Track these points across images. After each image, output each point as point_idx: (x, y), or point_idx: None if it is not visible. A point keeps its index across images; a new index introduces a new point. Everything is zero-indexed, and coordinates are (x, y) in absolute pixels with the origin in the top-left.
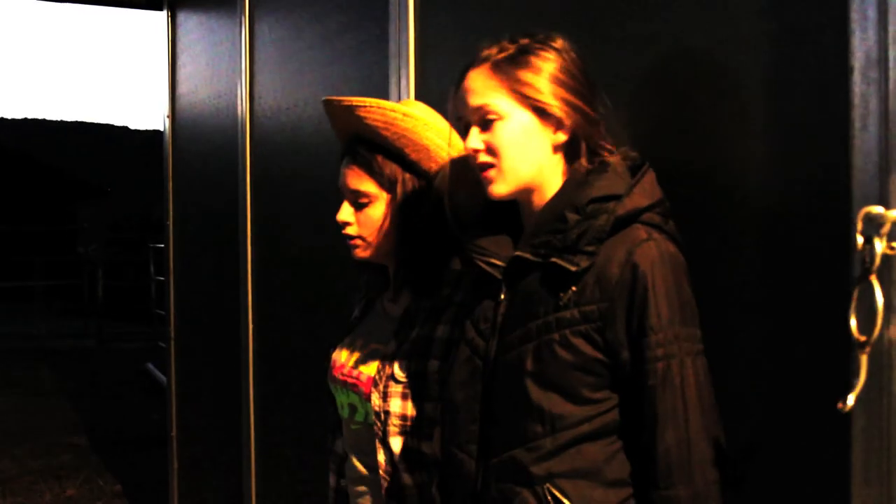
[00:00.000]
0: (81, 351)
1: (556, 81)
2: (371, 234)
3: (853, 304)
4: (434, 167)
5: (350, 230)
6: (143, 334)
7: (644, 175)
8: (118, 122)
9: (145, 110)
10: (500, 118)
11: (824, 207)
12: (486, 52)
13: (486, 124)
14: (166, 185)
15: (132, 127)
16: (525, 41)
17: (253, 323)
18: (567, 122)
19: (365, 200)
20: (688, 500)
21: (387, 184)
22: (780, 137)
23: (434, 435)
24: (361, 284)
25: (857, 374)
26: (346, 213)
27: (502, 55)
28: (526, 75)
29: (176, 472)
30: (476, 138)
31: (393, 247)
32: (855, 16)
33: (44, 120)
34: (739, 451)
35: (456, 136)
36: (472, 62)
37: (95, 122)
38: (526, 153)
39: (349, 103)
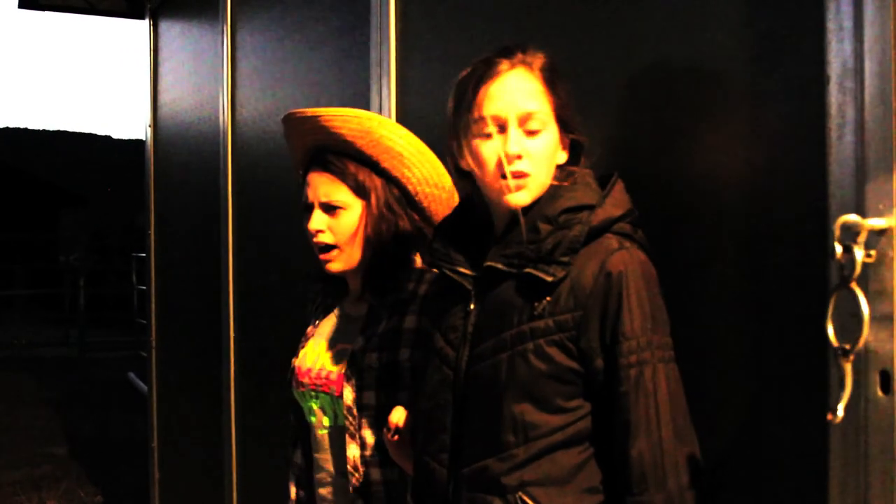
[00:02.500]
0: (62, 360)
1: (571, 100)
2: (346, 242)
3: (830, 312)
4: (407, 173)
5: (325, 238)
6: (124, 343)
7: (614, 185)
8: (100, 132)
9: (128, 119)
10: (543, 128)
11: (801, 216)
12: (522, 56)
13: (530, 130)
14: (148, 194)
15: (114, 136)
16: (552, 58)
17: (234, 332)
18: (567, 141)
19: (338, 209)
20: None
21: (361, 191)
22: (757, 147)
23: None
24: (316, 294)
25: (841, 384)
26: (318, 221)
27: (543, 62)
28: (562, 90)
29: (157, 482)
30: (518, 142)
31: (364, 253)
32: (831, 26)
33: (25, 129)
34: (713, 463)
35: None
36: (512, 62)
37: (77, 131)
38: (550, 167)
39: (327, 114)
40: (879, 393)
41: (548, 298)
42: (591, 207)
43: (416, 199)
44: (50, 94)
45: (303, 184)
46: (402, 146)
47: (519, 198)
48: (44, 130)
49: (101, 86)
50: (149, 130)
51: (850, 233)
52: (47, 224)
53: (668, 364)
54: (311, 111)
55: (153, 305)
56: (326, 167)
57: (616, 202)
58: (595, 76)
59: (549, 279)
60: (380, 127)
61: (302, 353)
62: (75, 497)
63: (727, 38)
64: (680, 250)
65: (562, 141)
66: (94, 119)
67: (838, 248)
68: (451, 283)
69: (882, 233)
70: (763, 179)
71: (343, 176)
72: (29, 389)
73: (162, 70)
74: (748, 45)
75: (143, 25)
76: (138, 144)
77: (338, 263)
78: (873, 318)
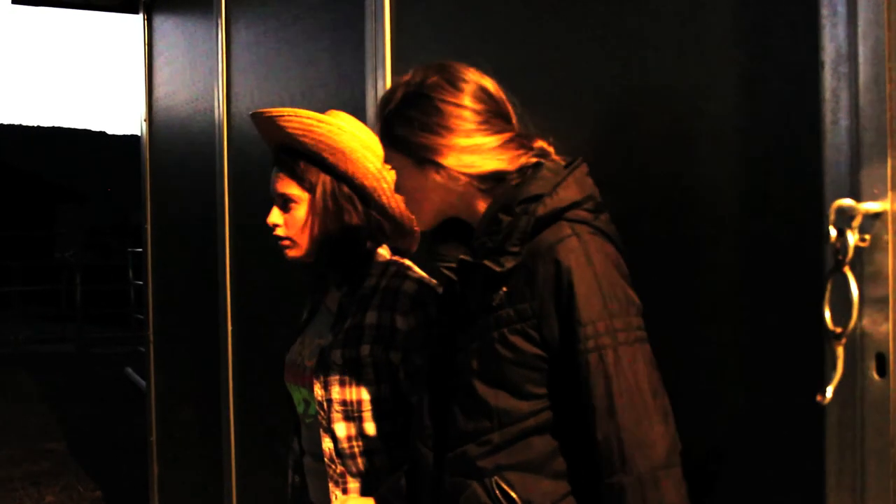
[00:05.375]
0: (60, 356)
1: (436, 127)
2: (297, 234)
3: (827, 296)
4: (351, 168)
5: (279, 231)
6: (122, 339)
7: (571, 172)
8: (95, 128)
9: (123, 115)
10: (396, 170)
11: (797, 201)
12: (380, 103)
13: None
14: (144, 189)
15: (109, 132)
16: (411, 87)
17: (232, 326)
18: (450, 166)
19: (291, 203)
20: (631, 486)
21: (308, 186)
22: (752, 133)
23: (374, 417)
24: (309, 289)
25: (833, 366)
26: (274, 216)
27: (388, 110)
28: (406, 131)
29: (156, 477)
30: (395, 185)
31: (313, 244)
32: (825, 11)
33: (20, 126)
34: (708, 455)
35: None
36: (375, 113)
37: (73, 127)
38: (423, 197)
39: (269, 114)
40: (875, 376)
41: (504, 289)
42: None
43: (375, 194)
44: (45, 90)
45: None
46: (343, 142)
47: (419, 226)
48: (39, 127)
49: (96, 82)
50: (144, 125)
51: (845, 217)
52: (44, 221)
53: (631, 345)
54: (263, 111)
55: (150, 300)
56: (281, 165)
57: (570, 189)
58: (588, 63)
59: (498, 269)
60: (319, 125)
61: (292, 347)
62: (74, 492)
63: (720, 24)
64: (675, 236)
65: (428, 167)
66: (89, 115)
67: (833, 232)
68: (449, 279)
69: (877, 216)
70: (758, 165)
71: (292, 173)
72: (27, 386)
73: (157, 64)
74: (742, 32)
75: (137, 20)
76: (134, 140)
77: (293, 252)
78: (868, 301)
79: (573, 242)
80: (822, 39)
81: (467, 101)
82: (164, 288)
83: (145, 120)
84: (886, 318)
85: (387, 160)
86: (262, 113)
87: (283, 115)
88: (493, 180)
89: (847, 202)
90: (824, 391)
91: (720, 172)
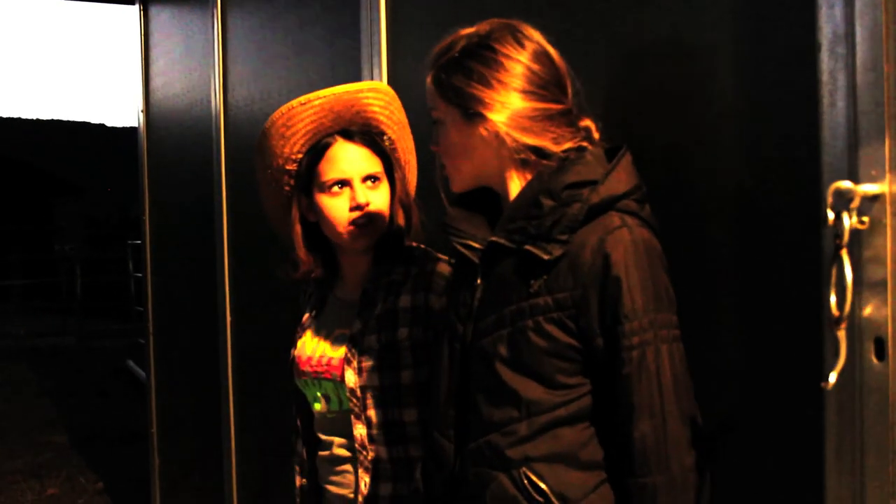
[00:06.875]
0: (61, 349)
1: (492, 80)
2: (384, 213)
3: (833, 281)
4: (400, 143)
5: (371, 208)
6: (122, 331)
7: (620, 160)
8: (94, 120)
9: (122, 107)
10: (442, 123)
11: (794, 183)
12: (435, 52)
13: (438, 127)
14: (142, 181)
15: (108, 124)
16: (474, 39)
17: (231, 317)
18: (498, 122)
19: (376, 181)
20: (663, 487)
21: (390, 163)
22: (748, 115)
23: (413, 402)
24: (309, 284)
25: (835, 351)
26: (367, 192)
27: (445, 59)
28: (461, 81)
29: (157, 469)
30: (434, 139)
31: (385, 228)
32: None
33: (19, 119)
34: (715, 427)
35: None
36: (428, 62)
37: (71, 119)
38: (464, 154)
39: (358, 89)
40: (874, 360)
41: (545, 277)
42: (594, 183)
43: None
44: (43, 82)
45: (314, 161)
46: (404, 118)
47: (451, 186)
48: (37, 120)
49: (94, 74)
50: (141, 116)
51: (843, 199)
52: (43, 214)
53: (671, 343)
54: (346, 87)
55: (150, 293)
56: (362, 140)
57: (620, 178)
58: (584, 49)
59: (546, 257)
60: (394, 101)
61: (300, 342)
62: (76, 484)
63: (717, 6)
64: (673, 221)
65: (480, 123)
66: (88, 107)
67: (831, 215)
68: (463, 257)
69: (875, 199)
70: (755, 147)
71: (377, 148)
72: (27, 379)
73: (153, 55)
74: (738, 13)
75: (133, 11)
76: (133, 132)
77: (374, 236)
78: (866, 285)
79: (624, 234)
80: (819, 20)
81: (528, 60)
82: (164, 280)
83: (142, 111)
84: (885, 302)
85: (433, 110)
86: (340, 90)
87: (371, 89)
88: (536, 154)
89: (845, 184)
90: (827, 377)
91: (716, 155)
